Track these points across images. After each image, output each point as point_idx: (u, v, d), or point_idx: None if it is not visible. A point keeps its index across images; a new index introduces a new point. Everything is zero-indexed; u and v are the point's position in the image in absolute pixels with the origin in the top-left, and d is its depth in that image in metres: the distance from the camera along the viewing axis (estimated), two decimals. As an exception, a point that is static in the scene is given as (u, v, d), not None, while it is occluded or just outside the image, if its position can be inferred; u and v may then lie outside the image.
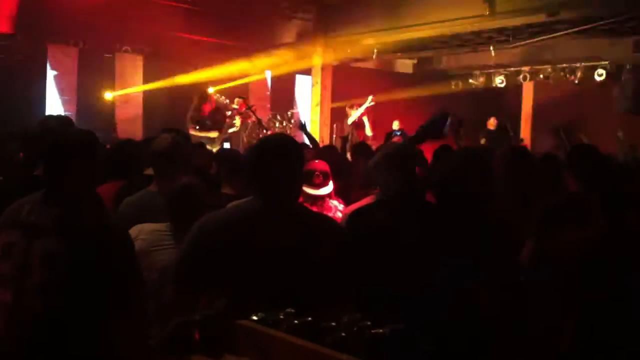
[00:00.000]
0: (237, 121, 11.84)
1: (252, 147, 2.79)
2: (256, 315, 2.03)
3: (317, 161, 4.47)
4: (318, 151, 6.35)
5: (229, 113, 11.85)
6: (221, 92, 12.44)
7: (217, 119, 11.44)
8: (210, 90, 11.94)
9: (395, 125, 13.31)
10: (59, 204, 2.50)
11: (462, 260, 2.87)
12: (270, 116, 13.57)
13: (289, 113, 13.96)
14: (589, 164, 3.91)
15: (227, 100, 11.88)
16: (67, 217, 2.47)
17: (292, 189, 2.65)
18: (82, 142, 2.63)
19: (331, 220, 2.99)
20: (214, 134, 11.24)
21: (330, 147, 7.62)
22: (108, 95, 12.37)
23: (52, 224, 2.43)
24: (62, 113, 10.67)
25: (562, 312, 2.76)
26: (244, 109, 11.84)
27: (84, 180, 2.58)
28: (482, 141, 12.65)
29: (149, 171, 3.98)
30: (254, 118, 11.57)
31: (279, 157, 2.59)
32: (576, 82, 13.21)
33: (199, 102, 11.50)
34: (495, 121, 13.19)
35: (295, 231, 2.56)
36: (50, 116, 4.20)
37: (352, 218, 3.35)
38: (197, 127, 11.13)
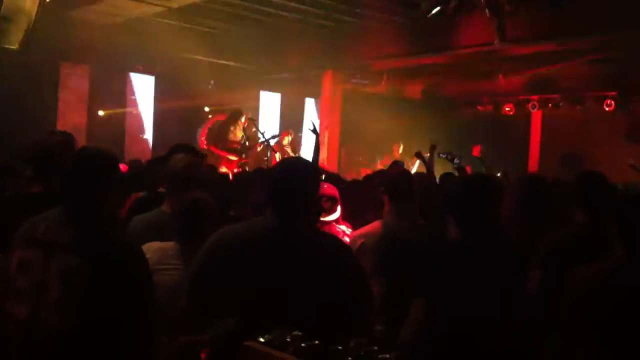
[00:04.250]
0: (258, 148, 11.91)
1: (274, 168, 2.84)
2: (263, 337, 2.04)
3: (325, 186, 4.49)
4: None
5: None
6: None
7: (246, 146, 11.55)
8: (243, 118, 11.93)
9: (397, 150, 13.39)
10: (77, 221, 2.52)
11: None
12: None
13: (299, 134, 14.08)
14: (600, 192, 3.88)
15: (261, 134, 11.76)
16: (85, 234, 2.49)
17: (309, 210, 2.71)
18: (104, 160, 2.66)
19: (344, 244, 3.01)
20: (233, 157, 11.33)
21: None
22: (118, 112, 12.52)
23: (70, 241, 2.46)
24: (73, 130, 10.74)
25: (583, 346, 2.74)
26: (252, 130, 11.93)
27: (102, 198, 2.61)
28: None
29: (163, 189, 4.00)
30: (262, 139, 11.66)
31: (301, 179, 2.66)
32: (585, 111, 13.19)
33: (228, 122, 11.59)
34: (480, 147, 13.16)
35: (310, 252, 2.59)
36: (54, 131, 4.15)
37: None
38: (219, 146, 11.24)
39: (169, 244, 3.28)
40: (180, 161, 3.78)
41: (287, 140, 12.80)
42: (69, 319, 2.39)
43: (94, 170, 2.60)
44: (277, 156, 11.18)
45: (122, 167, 5.43)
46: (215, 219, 3.28)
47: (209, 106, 13.75)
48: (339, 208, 4.37)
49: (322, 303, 2.46)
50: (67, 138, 3.67)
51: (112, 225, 2.67)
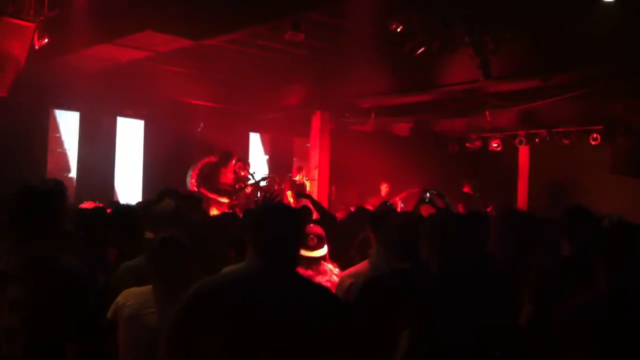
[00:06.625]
0: (248, 189, 11.94)
1: (254, 211, 2.82)
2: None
3: (311, 225, 4.49)
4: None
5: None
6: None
7: (236, 189, 11.56)
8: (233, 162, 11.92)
9: (384, 189, 13.44)
10: (24, 251, 2.56)
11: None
12: (269, 179, 13.66)
13: (288, 175, 14.08)
14: (585, 226, 3.92)
15: (251, 175, 11.76)
16: (30, 264, 2.53)
17: (292, 255, 2.66)
18: (47, 191, 2.70)
19: (327, 290, 3.00)
20: (224, 199, 11.33)
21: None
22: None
23: (16, 272, 2.49)
24: (63, 176, 10.77)
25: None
26: (242, 173, 11.94)
27: (48, 227, 2.64)
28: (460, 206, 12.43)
29: (150, 234, 3.98)
30: (252, 181, 11.68)
31: (282, 223, 2.61)
32: (571, 146, 13.31)
33: (219, 164, 11.61)
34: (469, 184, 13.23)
35: (294, 298, 2.55)
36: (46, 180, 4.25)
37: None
38: (209, 189, 11.24)
39: (148, 287, 3.24)
40: (168, 206, 3.79)
41: (298, 177, 12.90)
42: (16, 348, 2.42)
43: (31, 203, 2.64)
44: (289, 194, 11.22)
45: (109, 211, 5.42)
46: (189, 257, 3.25)
47: (199, 148, 13.72)
48: (325, 246, 4.37)
49: (308, 351, 2.44)
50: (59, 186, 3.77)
51: (60, 252, 2.67)
